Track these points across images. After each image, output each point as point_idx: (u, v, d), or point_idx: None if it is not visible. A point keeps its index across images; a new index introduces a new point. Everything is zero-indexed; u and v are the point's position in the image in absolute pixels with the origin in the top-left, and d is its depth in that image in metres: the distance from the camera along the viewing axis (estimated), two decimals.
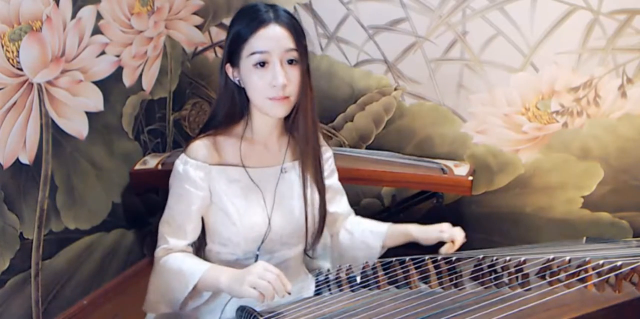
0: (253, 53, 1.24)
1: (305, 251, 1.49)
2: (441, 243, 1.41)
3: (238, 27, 1.27)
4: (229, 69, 1.31)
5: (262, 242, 1.36)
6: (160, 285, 1.32)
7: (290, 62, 1.26)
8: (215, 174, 1.32)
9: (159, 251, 1.33)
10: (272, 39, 1.24)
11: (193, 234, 1.35)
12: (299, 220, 1.40)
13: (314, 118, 1.36)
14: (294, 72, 1.27)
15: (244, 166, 1.35)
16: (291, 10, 2.32)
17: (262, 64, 1.24)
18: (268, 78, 1.24)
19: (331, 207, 1.51)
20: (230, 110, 1.34)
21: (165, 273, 1.30)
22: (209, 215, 1.35)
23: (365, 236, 1.49)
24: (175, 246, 1.32)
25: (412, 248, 1.47)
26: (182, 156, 1.33)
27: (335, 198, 1.53)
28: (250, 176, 1.35)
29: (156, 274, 1.34)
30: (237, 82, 1.31)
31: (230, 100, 1.33)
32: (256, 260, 1.38)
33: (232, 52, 1.28)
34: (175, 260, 1.29)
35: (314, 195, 1.41)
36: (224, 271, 1.23)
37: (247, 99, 1.32)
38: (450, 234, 1.39)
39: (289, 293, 1.15)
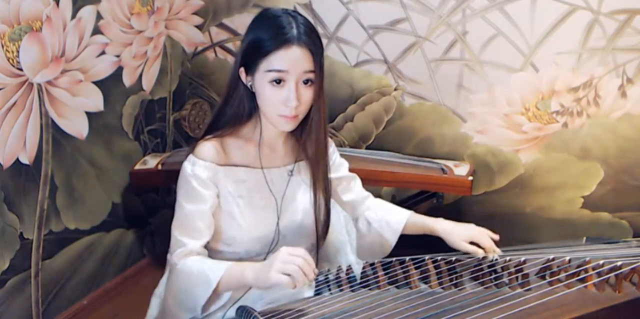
0: (270, 70, 1.24)
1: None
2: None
3: (259, 36, 1.25)
4: (242, 73, 1.30)
5: (270, 248, 1.37)
6: (180, 289, 1.31)
7: (306, 82, 1.26)
8: (223, 175, 1.33)
9: (175, 256, 1.32)
10: (292, 60, 1.23)
11: (208, 233, 1.34)
12: (302, 221, 1.40)
13: (326, 129, 1.38)
14: (308, 93, 1.27)
15: (262, 168, 1.35)
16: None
17: (278, 81, 1.24)
18: (281, 96, 1.25)
19: (347, 196, 1.53)
20: (238, 111, 1.34)
21: (185, 276, 1.29)
22: (215, 215, 1.35)
23: (382, 228, 1.50)
24: (193, 248, 1.31)
25: (412, 247, 1.47)
26: (190, 157, 1.33)
27: (349, 186, 1.55)
28: (265, 177, 1.35)
29: (175, 278, 1.32)
30: (249, 87, 1.31)
31: (239, 102, 1.33)
32: None
33: (249, 59, 1.27)
34: (195, 262, 1.29)
35: (320, 199, 1.42)
36: (248, 265, 1.22)
37: (256, 103, 1.33)
38: (483, 246, 1.37)
39: (317, 275, 1.14)
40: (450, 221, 1.45)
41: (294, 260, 1.11)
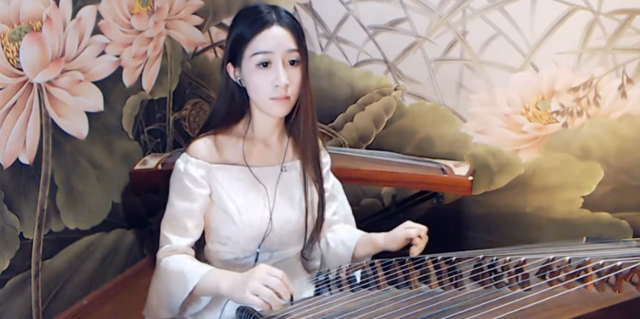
0: (256, 53, 1.25)
1: (302, 251, 1.49)
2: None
3: (240, 28, 1.27)
4: (230, 68, 1.31)
5: (263, 240, 1.36)
6: (160, 287, 1.32)
7: (292, 62, 1.27)
8: (216, 173, 1.33)
9: (160, 252, 1.33)
10: (274, 39, 1.24)
11: (195, 232, 1.34)
12: (298, 219, 1.40)
13: (313, 118, 1.37)
14: (296, 73, 1.27)
15: (247, 165, 1.35)
16: (291, 11, 2.32)
17: (265, 64, 1.25)
18: (270, 78, 1.25)
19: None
20: (230, 109, 1.35)
21: (166, 275, 1.30)
22: (209, 214, 1.35)
23: (338, 247, 1.48)
24: (179, 245, 1.32)
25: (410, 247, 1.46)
26: (184, 155, 1.34)
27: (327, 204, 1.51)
28: (258, 174, 1.35)
29: (157, 276, 1.33)
30: (238, 82, 1.32)
31: (230, 99, 1.34)
32: (257, 259, 1.38)
33: (234, 52, 1.29)
34: (177, 262, 1.29)
35: (313, 195, 1.41)
36: (225, 275, 1.21)
37: (248, 99, 1.33)
38: (417, 229, 1.35)
39: (292, 297, 1.12)
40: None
41: (270, 281, 1.09)
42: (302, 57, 1.28)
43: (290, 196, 1.39)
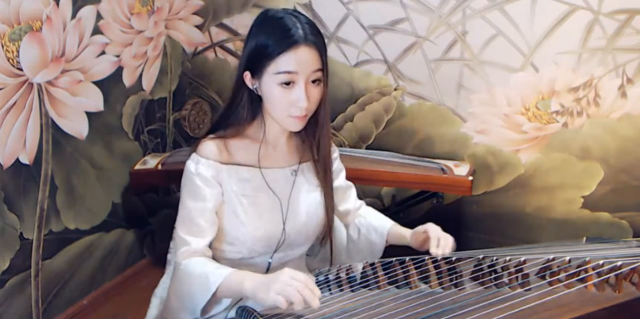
0: (280, 73, 1.23)
1: (309, 250, 1.50)
2: None
3: (264, 40, 1.25)
4: (247, 77, 1.29)
5: (276, 248, 1.37)
6: (182, 290, 1.31)
7: (314, 81, 1.26)
8: (226, 174, 1.33)
9: (179, 254, 1.32)
10: (301, 60, 1.23)
11: (211, 231, 1.34)
12: (306, 222, 1.41)
13: (328, 126, 1.38)
14: (316, 91, 1.27)
15: (259, 167, 1.35)
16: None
17: (288, 83, 1.24)
18: (292, 98, 1.24)
19: (342, 206, 1.54)
20: (242, 114, 1.34)
21: (187, 277, 1.29)
22: (219, 213, 1.35)
23: (370, 233, 1.52)
24: (197, 247, 1.32)
25: (412, 247, 1.47)
26: (194, 155, 1.33)
27: (345, 196, 1.55)
28: (267, 177, 1.35)
29: (177, 278, 1.32)
30: (254, 90, 1.31)
31: (243, 107, 1.33)
32: (268, 268, 1.39)
33: (254, 62, 1.27)
34: (197, 264, 1.29)
35: (325, 197, 1.42)
36: (248, 276, 1.21)
37: (261, 104, 1.32)
38: (434, 233, 1.35)
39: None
40: None
41: (294, 284, 1.10)
42: (324, 74, 1.28)
43: (297, 199, 1.40)
